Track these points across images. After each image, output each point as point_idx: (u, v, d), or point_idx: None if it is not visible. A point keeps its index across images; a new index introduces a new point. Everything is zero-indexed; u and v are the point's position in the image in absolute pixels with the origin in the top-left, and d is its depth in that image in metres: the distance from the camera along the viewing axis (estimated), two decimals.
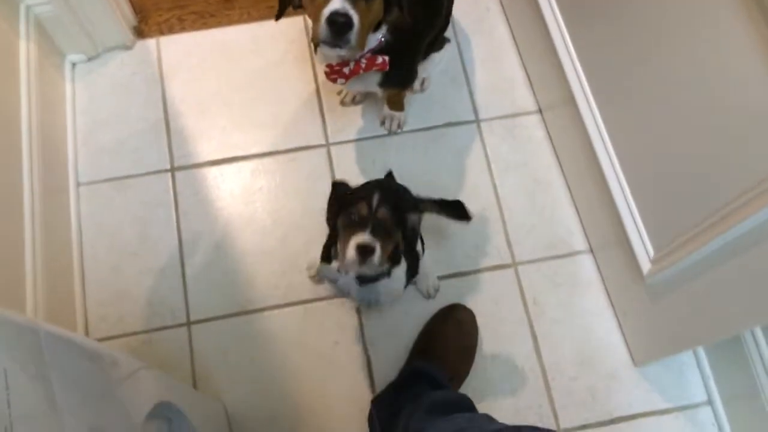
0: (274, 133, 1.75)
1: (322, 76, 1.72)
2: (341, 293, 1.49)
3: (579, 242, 1.67)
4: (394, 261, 1.24)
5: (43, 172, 1.50)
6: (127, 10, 1.80)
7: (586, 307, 1.61)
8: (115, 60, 1.81)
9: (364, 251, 1.09)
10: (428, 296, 1.60)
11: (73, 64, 1.79)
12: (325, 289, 1.60)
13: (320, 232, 1.62)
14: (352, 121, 1.77)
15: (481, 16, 1.91)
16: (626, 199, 1.41)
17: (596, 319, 1.60)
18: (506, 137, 1.78)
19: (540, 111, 1.79)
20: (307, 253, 1.63)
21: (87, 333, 1.54)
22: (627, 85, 1.35)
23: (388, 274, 1.26)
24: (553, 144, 1.75)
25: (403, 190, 1.33)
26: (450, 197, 1.62)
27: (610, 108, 1.44)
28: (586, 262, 1.64)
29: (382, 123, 1.76)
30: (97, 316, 1.56)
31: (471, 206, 1.67)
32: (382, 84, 1.48)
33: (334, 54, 1.30)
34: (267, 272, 1.62)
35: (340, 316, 1.58)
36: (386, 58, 1.36)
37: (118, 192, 1.67)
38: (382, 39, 1.35)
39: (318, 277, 1.57)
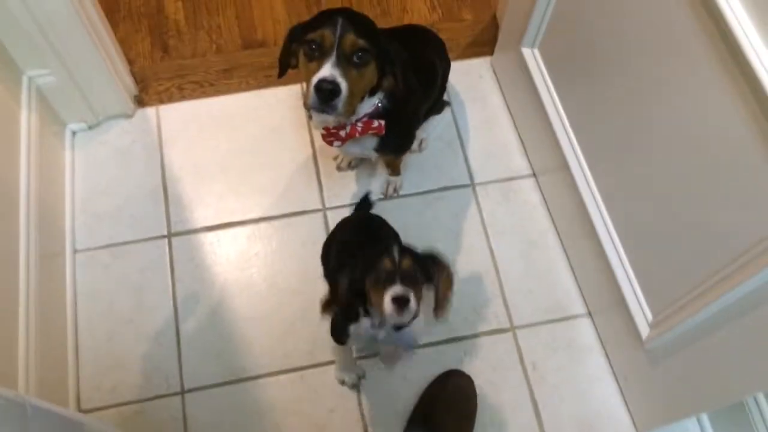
0: (271, 199, 1.76)
1: (318, 141, 1.75)
2: (369, 346, 1.46)
3: (577, 306, 1.66)
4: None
5: (39, 238, 1.50)
6: (128, 80, 1.85)
7: (587, 371, 1.58)
8: (116, 128, 1.84)
9: (400, 302, 1.12)
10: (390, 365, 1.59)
11: (74, 133, 1.82)
12: (322, 354, 1.58)
13: (316, 297, 1.63)
14: (348, 185, 1.79)
15: (474, 84, 1.96)
16: (622, 263, 1.41)
17: (597, 384, 1.57)
18: (501, 201, 1.79)
19: (534, 175, 1.81)
20: (304, 318, 1.61)
21: (79, 403, 1.51)
22: (619, 150, 1.37)
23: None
24: (548, 207, 1.77)
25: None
26: (449, 262, 1.63)
27: (603, 172, 1.46)
28: (585, 326, 1.63)
29: (385, 192, 1.78)
30: (90, 385, 1.54)
31: (468, 269, 1.69)
32: (379, 149, 1.49)
33: (322, 119, 1.33)
34: (263, 338, 1.60)
35: (336, 382, 1.56)
36: (382, 122, 1.38)
37: (115, 258, 1.67)
38: (379, 104, 1.37)
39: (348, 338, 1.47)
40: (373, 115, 1.38)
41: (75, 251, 1.67)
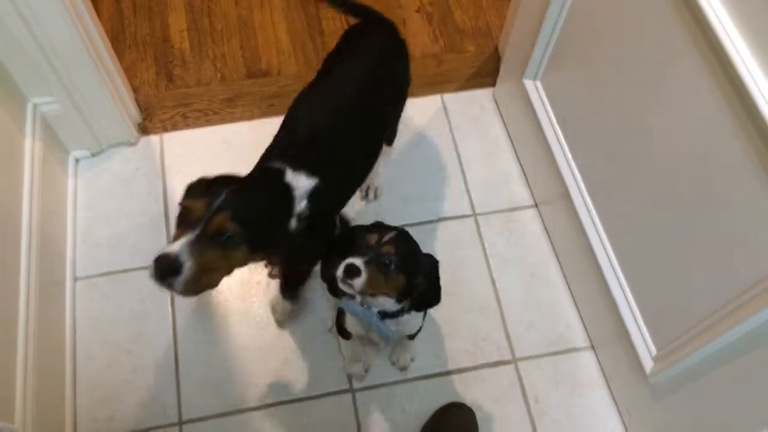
0: None
1: None
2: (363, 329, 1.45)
3: (579, 338, 1.65)
4: (412, 305, 1.28)
5: (40, 265, 1.50)
6: (132, 108, 1.86)
7: (589, 405, 1.57)
8: (119, 156, 1.85)
9: (350, 271, 1.14)
10: (402, 368, 1.58)
11: (77, 160, 1.83)
12: (322, 385, 1.57)
13: (315, 329, 1.62)
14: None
15: (476, 114, 1.97)
16: (625, 296, 1.40)
17: (600, 418, 1.55)
18: (503, 231, 1.79)
19: (536, 205, 1.81)
20: (303, 349, 1.60)
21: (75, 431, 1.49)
22: (622, 181, 1.37)
23: (407, 311, 1.30)
24: (550, 238, 1.76)
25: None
26: (447, 291, 1.62)
27: (605, 203, 1.46)
28: (588, 359, 1.62)
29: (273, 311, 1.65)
30: (88, 415, 1.52)
31: (469, 300, 1.67)
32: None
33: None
34: (262, 369, 1.58)
35: (336, 414, 1.54)
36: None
37: (115, 286, 1.66)
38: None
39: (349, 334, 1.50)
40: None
41: (75, 279, 1.67)
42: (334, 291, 1.37)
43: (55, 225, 1.66)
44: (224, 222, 1.04)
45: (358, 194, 1.77)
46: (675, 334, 1.24)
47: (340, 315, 1.42)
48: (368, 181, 1.75)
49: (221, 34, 2.09)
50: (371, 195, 1.79)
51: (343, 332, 1.45)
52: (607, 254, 1.45)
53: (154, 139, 1.89)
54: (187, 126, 1.91)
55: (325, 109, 1.31)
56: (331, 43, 2.06)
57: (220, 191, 1.06)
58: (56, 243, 1.65)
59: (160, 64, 2.03)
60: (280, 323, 1.63)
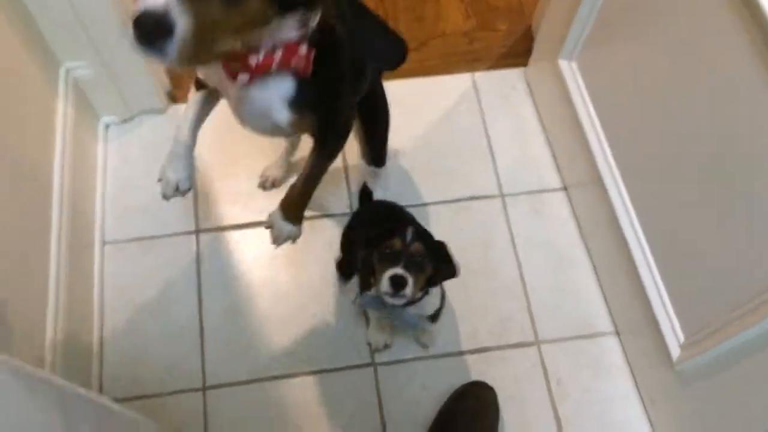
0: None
1: (350, 149, 1.73)
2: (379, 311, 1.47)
3: (604, 323, 1.64)
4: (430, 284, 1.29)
5: (70, 228, 1.51)
6: (163, 75, 1.85)
7: (612, 391, 1.56)
8: (148, 123, 1.85)
9: (397, 283, 1.16)
10: (425, 345, 1.59)
11: (107, 126, 1.83)
12: (344, 358, 1.57)
13: (339, 299, 1.62)
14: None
15: (507, 93, 1.95)
16: (655, 282, 1.39)
17: (622, 404, 1.55)
18: (531, 213, 1.77)
19: (565, 188, 1.79)
20: (326, 320, 1.61)
21: (101, 392, 1.51)
22: (659, 166, 1.35)
23: (427, 293, 1.32)
24: (578, 222, 1.75)
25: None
26: (472, 270, 1.63)
27: (639, 188, 1.44)
28: (612, 345, 1.61)
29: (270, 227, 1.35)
30: (112, 376, 1.54)
31: (494, 281, 1.67)
32: (292, 104, 1.02)
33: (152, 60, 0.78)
34: (285, 338, 1.59)
35: (357, 388, 1.55)
36: (311, 53, 0.94)
37: (143, 252, 1.67)
38: (305, 34, 0.92)
39: (360, 302, 1.51)
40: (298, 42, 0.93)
41: (104, 243, 1.68)
42: (363, 286, 1.39)
43: (85, 189, 1.67)
44: None
45: None
46: (705, 322, 1.23)
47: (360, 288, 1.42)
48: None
49: None
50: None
51: (344, 274, 1.47)
52: (638, 239, 1.44)
53: (183, 108, 1.88)
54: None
55: None
56: None
57: None
58: (86, 207, 1.66)
59: None
60: (377, 350, 1.58)
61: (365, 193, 1.71)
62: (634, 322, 1.51)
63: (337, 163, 1.80)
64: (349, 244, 1.60)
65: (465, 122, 1.89)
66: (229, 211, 1.74)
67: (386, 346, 1.58)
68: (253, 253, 1.70)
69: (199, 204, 1.74)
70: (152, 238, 1.69)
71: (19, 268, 1.31)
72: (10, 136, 1.36)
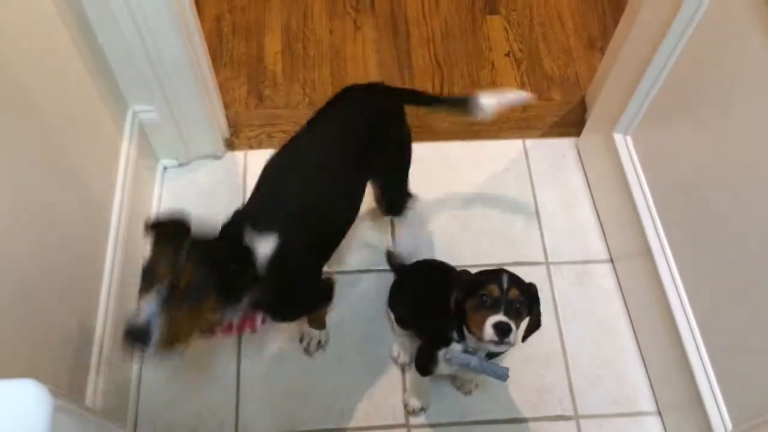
0: (344, 251, 1.77)
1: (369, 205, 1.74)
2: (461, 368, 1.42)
3: (646, 402, 1.59)
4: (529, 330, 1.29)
5: (122, 265, 1.55)
6: (223, 123, 1.92)
7: None
8: (204, 168, 1.91)
9: (502, 330, 1.15)
10: (467, 392, 1.57)
11: (165, 168, 1.89)
12: (378, 417, 1.56)
13: (378, 356, 1.61)
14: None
15: (557, 162, 1.96)
16: (703, 364, 1.36)
17: None
18: (575, 283, 1.76)
19: (612, 260, 1.78)
20: (363, 377, 1.60)
21: None
22: (712, 244, 1.33)
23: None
24: (623, 295, 1.72)
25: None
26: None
27: (689, 267, 1.42)
28: (654, 426, 1.56)
29: (301, 340, 1.63)
30: (147, 418, 1.54)
31: (535, 349, 1.64)
32: (274, 318, 1.31)
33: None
34: (321, 393, 1.59)
35: None
36: (257, 321, 1.24)
37: None
38: (252, 297, 1.15)
39: (448, 356, 1.40)
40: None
41: None
42: (428, 366, 1.38)
43: (139, 228, 1.71)
44: (190, 277, 1.00)
45: None
46: (756, 411, 1.19)
47: (425, 353, 1.39)
48: (399, 252, 1.72)
49: (313, 60, 2.15)
50: (312, 346, 1.63)
51: (425, 370, 1.41)
52: (686, 317, 1.41)
53: (239, 155, 1.95)
54: (271, 146, 1.96)
55: (290, 170, 1.30)
56: (420, 79, 2.12)
57: (180, 247, 1.02)
58: (138, 245, 1.70)
59: (252, 83, 2.10)
60: (310, 349, 1.62)
61: (392, 258, 1.72)
62: (679, 404, 1.47)
63: (384, 219, 1.83)
64: (399, 300, 1.60)
65: (514, 188, 1.91)
66: None
67: (422, 410, 1.56)
68: None
69: None
70: None
71: (71, 301, 1.35)
72: (77, 170, 1.42)
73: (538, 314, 1.26)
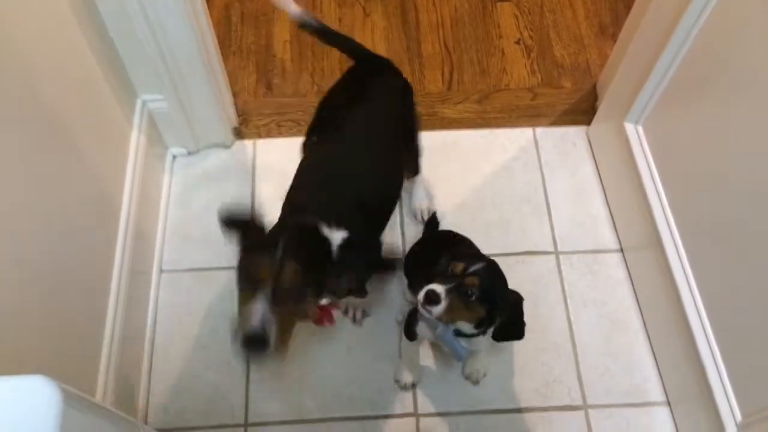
0: None
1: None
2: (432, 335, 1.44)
3: (655, 393, 1.59)
4: (494, 335, 1.28)
5: (132, 252, 1.55)
6: (231, 112, 1.92)
7: None
8: (213, 157, 1.91)
9: (430, 297, 1.17)
10: (475, 382, 1.58)
11: (174, 157, 1.90)
12: (387, 406, 1.56)
13: (388, 345, 1.62)
14: None
15: (567, 151, 1.94)
16: (713, 355, 1.35)
17: None
18: (585, 273, 1.75)
19: (622, 250, 1.77)
20: (373, 365, 1.61)
21: (146, 421, 1.53)
22: (721, 237, 1.33)
23: (483, 333, 1.30)
24: (633, 286, 1.72)
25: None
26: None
27: (700, 258, 1.41)
28: (663, 416, 1.56)
29: (345, 312, 1.67)
30: (159, 405, 1.56)
31: (544, 339, 1.64)
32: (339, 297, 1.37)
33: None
34: (330, 381, 1.60)
35: None
36: (334, 310, 1.34)
37: (197, 283, 1.71)
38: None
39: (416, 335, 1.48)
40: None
41: (161, 270, 1.73)
42: (410, 332, 1.41)
43: (149, 216, 1.73)
44: (292, 275, 1.05)
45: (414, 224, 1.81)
46: (766, 403, 1.18)
47: (411, 314, 1.42)
48: (416, 207, 1.79)
49: (322, 48, 2.14)
50: (425, 216, 1.78)
51: (409, 332, 1.43)
52: (696, 308, 1.40)
53: (248, 144, 1.94)
54: (280, 134, 1.96)
55: (343, 158, 1.35)
56: (429, 66, 2.11)
57: (274, 247, 1.05)
58: (148, 233, 1.71)
59: (261, 72, 2.09)
60: (356, 322, 1.67)
61: (433, 221, 1.73)
62: (688, 395, 1.46)
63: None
64: (413, 264, 1.61)
65: (523, 176, 1.90)
66: None
67: (413, 385, 1.58)
68: None
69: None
70: (208, 269, 1.73)
71: (81, 292, 1.36)
72: (87, 158, 1.42)
73: (513, 327, 1.26)
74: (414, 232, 1.79)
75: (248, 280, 1.07)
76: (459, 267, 1.20)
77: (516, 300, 1.27)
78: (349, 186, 1.29)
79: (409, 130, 1.59)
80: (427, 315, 1.21)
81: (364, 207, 1.28)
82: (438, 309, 1.17)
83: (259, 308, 1.02)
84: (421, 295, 1.18)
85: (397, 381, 1.58)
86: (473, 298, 1.19)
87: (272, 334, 1.02)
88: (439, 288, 1.17)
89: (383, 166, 1.39)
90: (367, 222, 1.31)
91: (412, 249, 1.67)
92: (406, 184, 1.70)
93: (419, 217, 1.80)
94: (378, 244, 1.41)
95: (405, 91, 1.53)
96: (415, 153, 1.67)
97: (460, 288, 1.18)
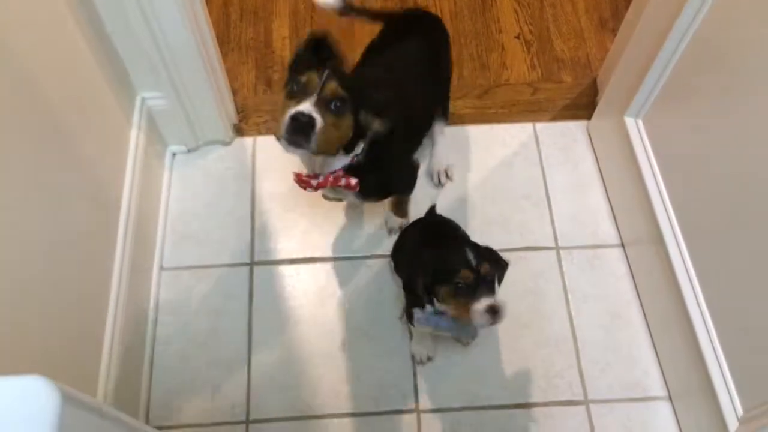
0: (354, 239, 1.78)
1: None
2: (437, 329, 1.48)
3: (656, 387, 1.59)
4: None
5: (132, 250, 1.55)
6: (231, 109, 1.91)
7: None
8: (213, 154, 1.91)
9: (494, 311, 1.20)
10: (466, 344, 1.62)
11: (174, 154, 1.89)
12: (389, 402, 1.57)
13: (388, 342, 1.62)
14: None
15: (568, 146, 1.94)
16: (714, 350, 1.35)
17: None
18: (586, 268, 1.75)
19: (623, 245, 1.77)
20: (373, 363, 1.61)
21: (147, 419, 1.54)
22: (722, 231, 1.32)
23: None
24: (634, 280, 1.71)
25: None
26: (523, 323, 1.62)
27: (701, 252, 1.41)
28: (664, 410, 1.56)
29: (386, 223, 1.79)
30: (160, 402, 1.56)
31: (545, 334, 1.65)
32: (360, 197, 1.50)
33: (291, 153, 1.24)
34: (331, 377, 1.60)
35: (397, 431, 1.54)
36: (353, 181, 1.36)
37: (198, 280, 1.71)
38: (356, 158, 1.35)
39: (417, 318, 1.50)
40: (347, 169, 1.36)
41: (162, 268, 1.73)
42: (409, 315, 1.44)
43: (149, 214, 1.72)
44: (336, 88, 1.19)
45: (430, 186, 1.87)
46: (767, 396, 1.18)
47: (406, 307, 1.45)
48: (435, 167, 1.86)
49: None
50: (442, 179, 1.85)
51: (410, 318, 1.46)
52: (698, 302, 1.40)
53: (248, 141, 1.94)
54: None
55: (394, 61, 1.56)
56: None
57: (323, 66, 1.21)
58: (148, 231, 1.71)
59: (260, 68, 2.09)
60: (392, 231, 1.78)
61: (433, 210, 1.72)
62: (690, 389, 1.46)
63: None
64: (402, 258, 1.63)
65: (523, 172, 1.89)
66: (285, 246, 1.77)
67: (429, 359, 1.59)
68: (306, 288, 1.71)
69: (255, 236, 1.78)
70: (208, 267, 1.73)
71: (81, 290, 1.36)
72: (87, 157, 1.42)
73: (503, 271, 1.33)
74: (426, 197, 1.81)
75: (297, 83, 1.21)
76: (468, 274, 1.22)
77: (488, 250, 1.32)
78: (398, 83, 1.45)
79: (446, 71, 1.79)
80: (494, 323, 1.22)
81: (406, 108, 1.43)
82: (504, 312, 1.20)
83: (308, 105, 1.16)
84: (483, 317, 1.20)
85: (413, 357, 1.60)
86: (494, 277, 1.23)
87: (319, 122, 1.15)
88: (490, 300, 1.20)
89: (429, 88, 1.64)
90: (405, 124, 1.43)
91: (405, 233, 1.68)
92: (427, 141, 1.85)
93: (435, 179, 1.85)
94: (409, 157, 1.60)
95: (445, 37, 1.74)
96: (447, 98, 1.86)
97: (486, 281, 1.22)
